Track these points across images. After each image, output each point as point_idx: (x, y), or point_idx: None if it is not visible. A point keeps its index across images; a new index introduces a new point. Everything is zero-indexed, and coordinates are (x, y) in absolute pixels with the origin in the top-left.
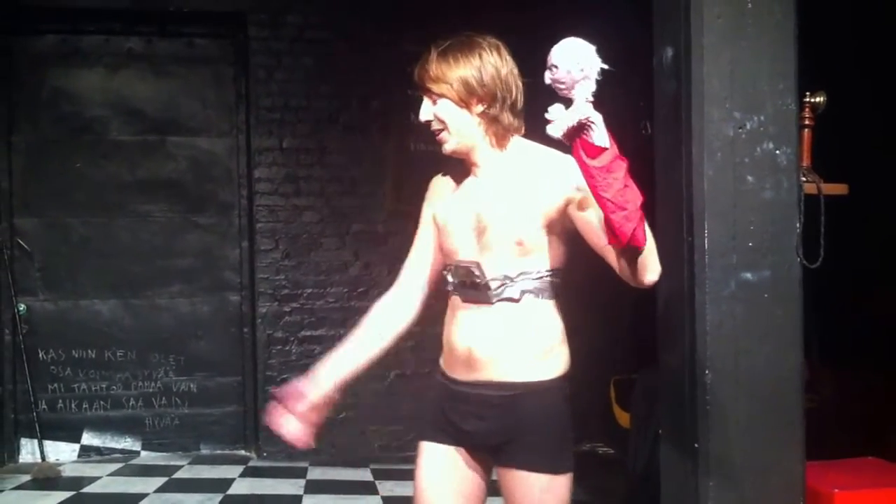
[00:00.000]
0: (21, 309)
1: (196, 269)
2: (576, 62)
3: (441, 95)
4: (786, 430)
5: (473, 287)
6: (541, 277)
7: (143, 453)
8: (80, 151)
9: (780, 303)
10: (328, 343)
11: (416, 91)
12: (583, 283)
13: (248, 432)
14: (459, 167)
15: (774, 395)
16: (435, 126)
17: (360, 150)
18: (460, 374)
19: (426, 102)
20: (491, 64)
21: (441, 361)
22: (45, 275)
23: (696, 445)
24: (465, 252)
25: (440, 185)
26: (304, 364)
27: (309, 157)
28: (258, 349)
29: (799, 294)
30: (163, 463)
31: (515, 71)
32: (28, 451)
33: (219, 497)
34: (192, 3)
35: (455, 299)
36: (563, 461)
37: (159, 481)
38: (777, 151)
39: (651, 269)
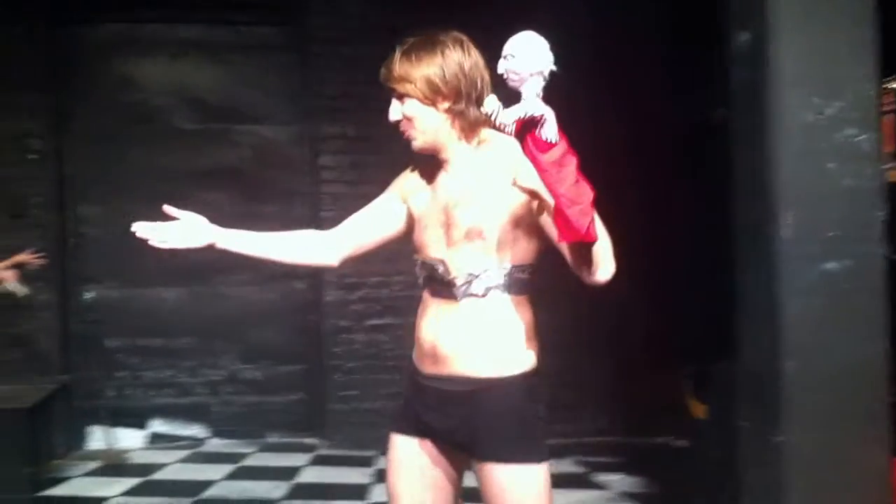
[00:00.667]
0: (87, 297)
1: None
2: (533, 56)
3: (407, 95)
4: (870, 424)
5: (440, 283)
6: (508, 273)
7: (211, 441)
8: (143, 139)
9: (863, 293)
10: (393, 332)
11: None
12: (650, 268)
13: (315, 420)
14: (434, 160)
15: (858, 388)
16: (403, 125)
17: None
18: (426, 368)
19: (395, 102)
20: (454, 60)
21: (413, 354)
22: (110, 263)
23: (779, 439)
24: (434, 247)
25: (415, 177)
26: (369, 353)
27: (372, 145)
28: (323, 337)
29: (882, 285)
30: (230, 450)
31: (481, 63)
32: (96, 438)
33: (287, 485)
34: None
35: (425, 293)
36: (532, 452)
37: (228, 468)
38: (858, 138)
39: (604, 267)
